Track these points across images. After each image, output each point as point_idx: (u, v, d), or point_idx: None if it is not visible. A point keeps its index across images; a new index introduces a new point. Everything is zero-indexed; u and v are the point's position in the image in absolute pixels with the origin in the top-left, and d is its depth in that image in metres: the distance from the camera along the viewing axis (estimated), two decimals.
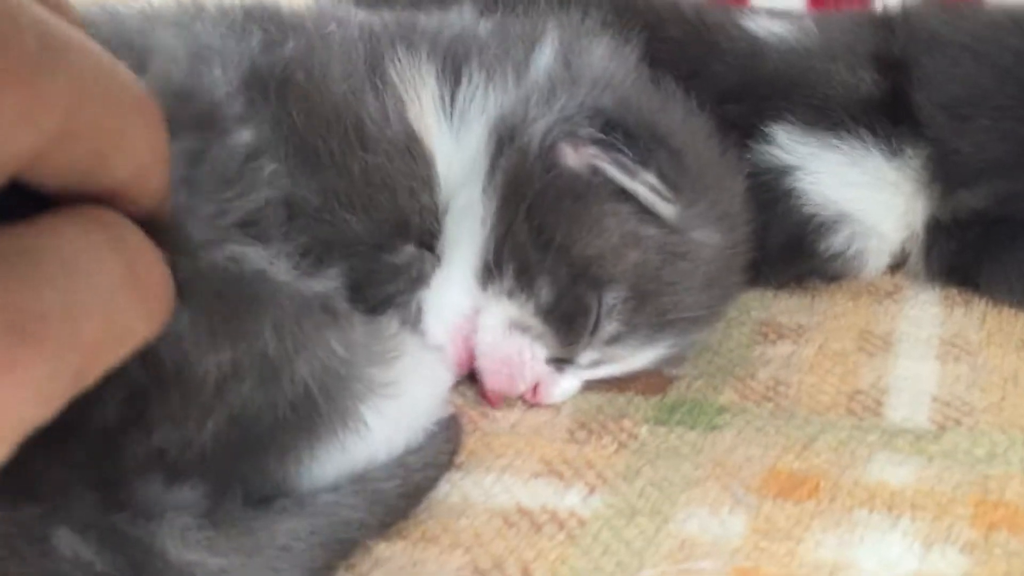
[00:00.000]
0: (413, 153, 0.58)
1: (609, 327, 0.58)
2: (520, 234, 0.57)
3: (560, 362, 0.59)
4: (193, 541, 0.43)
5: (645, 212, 0.57)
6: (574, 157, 0.57)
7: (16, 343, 0.23)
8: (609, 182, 0.56)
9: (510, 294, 0.58)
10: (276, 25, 0.56)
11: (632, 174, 0.56)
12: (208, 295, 0.43)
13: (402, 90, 0.58)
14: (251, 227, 0.47)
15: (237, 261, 0.44)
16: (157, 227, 0.30)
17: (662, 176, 0.56)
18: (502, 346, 0.59)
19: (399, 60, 0.58)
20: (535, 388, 0.59)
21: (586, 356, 0.59)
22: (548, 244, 0.56)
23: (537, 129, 0.58)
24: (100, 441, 0.41)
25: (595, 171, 0.57)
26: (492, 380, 0.59)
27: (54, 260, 0.25)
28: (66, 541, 0.40)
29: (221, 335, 0.43)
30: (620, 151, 0.55)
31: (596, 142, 0.56)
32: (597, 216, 0.57)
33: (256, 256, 0.46)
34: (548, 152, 0.57)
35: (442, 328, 0.59)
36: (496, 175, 0.58)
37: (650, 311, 0.58)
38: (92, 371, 0.26)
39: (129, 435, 0.42)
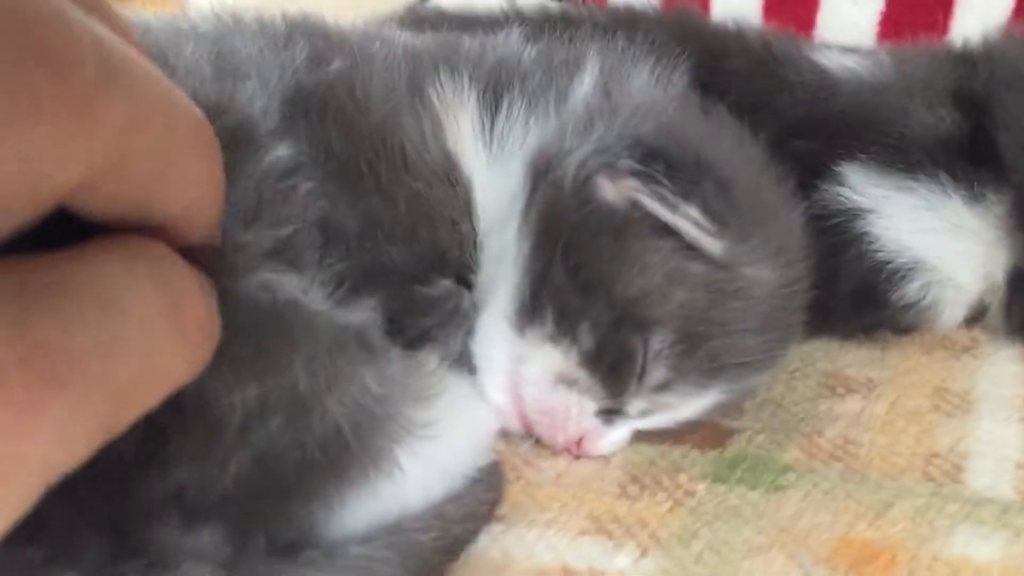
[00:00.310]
0: (452, 180, 0.55)
1: (657, 373, 0.55)
2: (557, 275, 0.54)
3: (609, 413, 0.56)
4: None
5: (690, 248, 0.53)
6: (612, 190, 0.54)
7: (40, 384, 0.22)
8: (650, 216, 0.53)
9: (552, 340, 0.55)
10: (324, 40, 0.55)
11: (673, 208, 0.52)
12: (236, 326, 0.40)
13: (441, 113, 0.55)
14: (285, 253, 0.45)
15: (270, 290, 0.42)
16: (203, 257, 0.29)
17: (706, 209, 0.52)
18: (547, 399, 0.56)
19: (440, 83, 0.56)
20: (579, 441, 0.56)
21: (635, 406, 0.56)
22: (587, 285, 0.54)
23: (572, 161, 0.54)
24: (115, 479, 0.39)
25: (635, 205, 0.53)
26: (537, 428, 0.57)
27: (88, 295, 0.24)
28: None
29: (248, 369, 0.41)
30: (660, 183, 0.52)
31: (635, 174, 0.52)
32: (638, 253, 0.53)
33: (290, 284, 0.44)
34: (584, 186, 0.54)
35: (491, 381, 0.57)
36: (531, 212, 0.55)
37: (701, 355, 0.54)
38: (126, 415, 0.25)
39: (146, 474, 0.40)
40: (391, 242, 0.52)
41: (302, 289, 0.45)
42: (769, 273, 0.56)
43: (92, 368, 0.23)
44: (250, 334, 0.41)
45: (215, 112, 0.44)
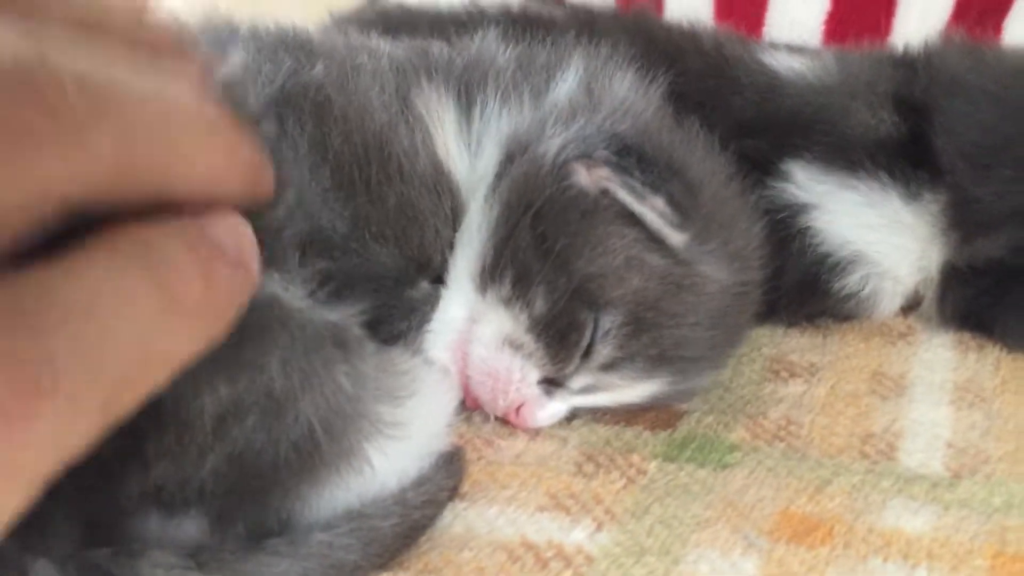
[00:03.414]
0: (439, 189, 0.57)
1: (604, 352, 0.57)
2: (522, 240, 0.56)
3: (550, 384, 0.58)
4: None
5: (652, 240, 0.56)
6: (586, 177, 0.56)
7: (28, 396, 0.23)
8: (618, 204, 0.56)
9: (506, 302, 0.57)
10: (306, 53, 0.55)
11: (641, 198, 0.55)
12: None
13: (428, 122, 0.57)
14: (265, 250, 0.45)
15: None
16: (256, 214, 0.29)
17: (672, 203, 0.55)
18: (492, 360, 0.58)
19: (423, 91, 0.58)
20: (518, 409, 0.58)
21: (578, 380, 0.58)
22: (548, 253, 0.55)
23: (553, 145, 0.57)
24: (92, 477, 0.39)
25: (605, 193, 0.56)
26: (477, 389, 0.59)
27: (73, 304, 0.24)
28: (44, 574, 0.39)
29: (222, 368, 0.41)
30: (631, 174, 0.55)
31: (609, 164, 0.55)
32: (603, 235, 0.56)
33: (269, 282, 0.44)
34: (561, 168, 0.56)
35: (441, 340, 0.58)
36: (501, 183, 0.57)
37: (647, 341, 0.57)
38: (125, 400, 0.26)
39: (124, 472, 0.41)
40: (380, 242, 0.54)
41: (283, 286, 0.45)
42: (724, 274, 0.58)
43: (79, 373, 0.24)
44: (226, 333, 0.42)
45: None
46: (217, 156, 0.28)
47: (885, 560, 0.49)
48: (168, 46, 0.29)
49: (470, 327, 0.58)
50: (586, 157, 0.56)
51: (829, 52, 0.78)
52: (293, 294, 0.46)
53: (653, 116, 0.61)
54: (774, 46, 0.79)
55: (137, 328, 0.25)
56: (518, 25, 0.75)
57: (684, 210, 0.55)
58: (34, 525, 0.38)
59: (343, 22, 0.82)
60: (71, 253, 0.25)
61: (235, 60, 0.51)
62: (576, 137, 0.57)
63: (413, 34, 0.74)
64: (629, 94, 0.61)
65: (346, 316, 0.48)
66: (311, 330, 0.45)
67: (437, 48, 0.62)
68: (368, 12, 0.84)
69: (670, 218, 0.55)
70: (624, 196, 0.55)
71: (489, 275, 0.57)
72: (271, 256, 0.45)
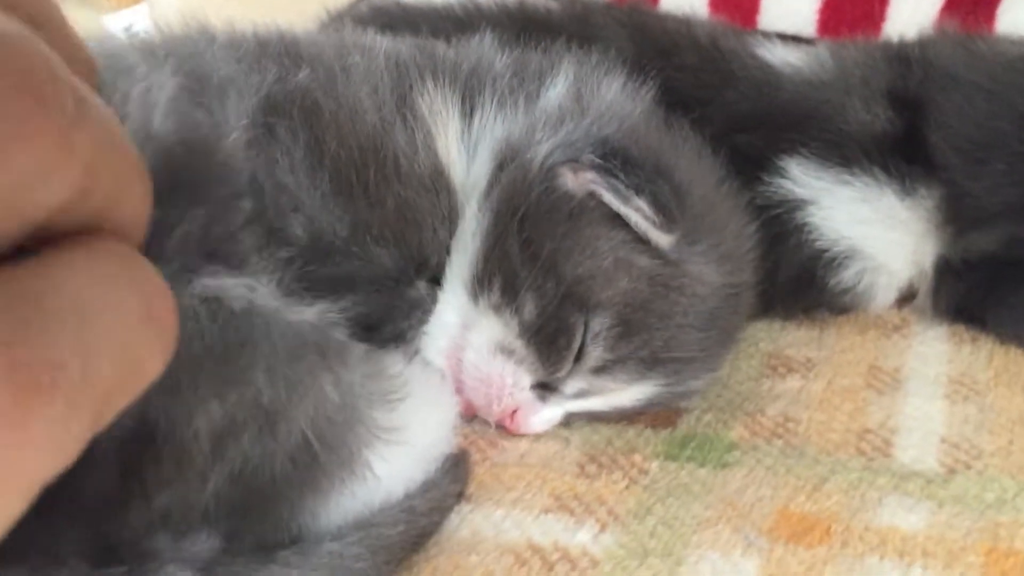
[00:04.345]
0: (437, 188, 0.57)
1: (595, 354, 0.57)
2: (510, 246, 0.57)
3: (544, 390, 0.59)
4: None
5: (639, 242, 0.56)
6: (573, 180, 0.57)
7: (26, 396, 0.22)
8: (605, 207, 0.56)
9: (496, 309, 0.57)
10: (291, 58, 0.55)
11: (625, 199, 0.55)
12: (191, 345, 0.40)
13: (431, 123, 0.57)
14: (220, 256, 0.45)
15: (216, 299, 0.42)
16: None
17: (656, 204, 0.55)
18: (485, 367, 0.58)
19: (428, 93, 0.58)
20: (512, 414, 0.59)
21: (571, 385, 0.59)
22: (536, 257, 0.56)
23: (540, 150, 0.57)
24: (98, 508, 0.40)
25: (592, 196, 0.56)
26: (471, 395, 0.59)
27: (68, 301, 0.24)
28: None
29: (210, 387, 0.41)
30: (616, 176, 0.55)
31: (594, 167, 0.56)
32: (590, 238, 0.56)
33: (236, 289, 0.44)
34: (548, 173, 0.57)
35: (436, 347, 0.59)
36: (493, 191, 0.58)
37: (638, 343, 0.57)
38: (109, 412, 0.25)
39: (128, 506, 0.41)
40: (380, 245, 0.54)
41: (249, 288, 0.45)
42: (714, 275, 0.59)
43: (75, 374, 0.24)
44: (206, 352, 0.41)
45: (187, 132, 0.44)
46: (143, 193, 0.28)
47: (881, 558, 0.50)
48: (92, 71, 0.28)
49: (463, 334, 0.58)
50: (573, 161, 0.56)
51: (824, 45, 0.79)
52: (262, 292, 0.45)
53: (641, 119, 0.62)
54: (769, 39, 0.79)
55: (125, 335, 0.26)
56: (515, 21, 0.76)
57: (670, 211, 0.56)
58: (48, 550, 0.39)
59: (339, 19, 0.82)
60: (59, 254, 0.25)
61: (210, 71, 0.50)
62: (563, 142, 0.57)
63: (410, 31, 0.74)
64: (617, 98, 0.62)
65: (324, 312, 0.48)
66: (292, 337, 0.45)
67: (442, 49, 0.63)
68: (364, 9, 0.83)
69: (655, 220, 0.55)
70: (610, 198, 0.55)
71: (479, 282, 0.57)
72: (232, 261, 0.45)
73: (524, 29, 0.74)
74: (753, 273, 0.63)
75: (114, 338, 0.25)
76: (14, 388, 0.22)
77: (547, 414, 0.59)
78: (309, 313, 0.47)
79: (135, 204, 0.28)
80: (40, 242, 0.25)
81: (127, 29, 1.04)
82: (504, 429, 0.60)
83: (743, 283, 0.62)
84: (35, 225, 0.24)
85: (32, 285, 0.24)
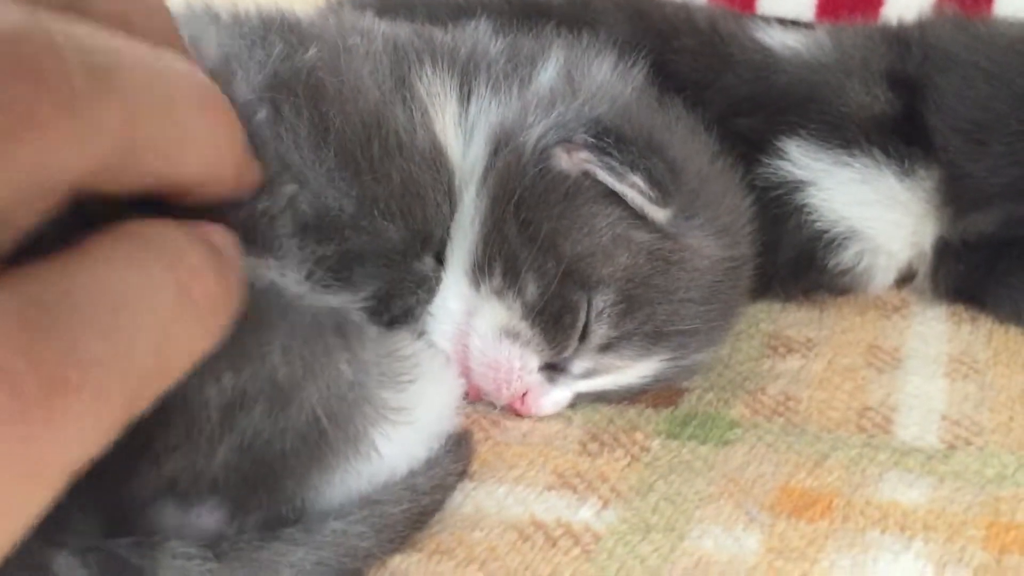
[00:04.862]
0: (438, 165, 0.58)
1: (600, 332, 0.57)
2: (507, 229, 0.57)
3: (552, 371, 0.59)
4: (195, 574, 0.41)
5: (636, 217, 0.57)
6: (567, 161, 0.57)
7: (56, 392, 0.23)
8: (600, 184, 0.56)
9: (499, 293, 0.58)
10: (297, 36, 0.56)
11: (620, 176, 0.55)
12: None
13: (429, 105, 0.58)
14: (255, 236, 0.45)
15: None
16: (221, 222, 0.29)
17: (651, 180, 0.55)
18: (492, 352, 0.58)
19: (427, 76, 0.58)
20: (522, 397, 0.59)
21: (578, 364, 0.59)
22: (534, 238, 0.56)
23: (533, 133, 0.58)
24: (107, 470, 0.40)
25: (587, 175, 0.57)
26: (480, 381, 0.59)
27: (98, 296, 0.24)
28: (65, 566, 0.39)
29: (225, 359, 0.40)
30: (610, 154, 0.56)
31: (588, 146, 0.56)
32: (587, 216, 0.57)
33: (264, 268, 0.44)
34: (542, 155, 0.57)
35: (442, 334, 0.59)
36: (490, 176, 0.58)
37: (642, 318, 0.58)
38: (147, 397, 0.26)
39: (136, 469, 0.41)
40: (387, 219, 0.54)
41: (279, 272, 0.45)
42: (713, 248, 0.59)
43: (106, 367, 0.24)
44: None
45: None
46: (216, 137, 0.28)
47: (883, 532, 0.50)
48: (159, 28, 0.28)
49: (467, 320, 0.59)
50: (566, 141, 0.57)
51: (823, 28, 0.79)
52: (290, 279, 0.46)
53: (632, 97, 0.62)
54: (768, 22, 0.79)
55: (159, 322, 0.26)
56: (514, 6, 0.76)
57: (664, 187, 0.56)
58: (53, 518, 0.39)
59: (339, 4, 0.82)
60: (88, 246, 0.25)
61: (214, 50, 0.51)
62: (556, 123, 0.58)
63: (409, 16, 0.74)
64: (608, 78, 0.62)
65: (346, 301, 0.48)
66: (310, 318, 0.45)
67: (439, 35, 0.63)
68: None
69: (650, 195, 0.56)
70: (604, 176, 0.56)
71: (480, 268, 0.58)
72: (266, 243, 0.45)
73: (523, 14, 0.74)
74: (751, 246, 0.63)
75: (148, 325, 0.25)
76: (42, 386, 0.22)
77: (556, 396, 0.60)
78: (331, 300, 0.47)
79: (205, 142, 0.28)
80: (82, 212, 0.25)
81: None
82: (513, 412, 0.60)
83: (742, 256, 0.62)
84: (64, 194, 0.24)
85: (60, 281, 0.24)
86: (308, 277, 0.48)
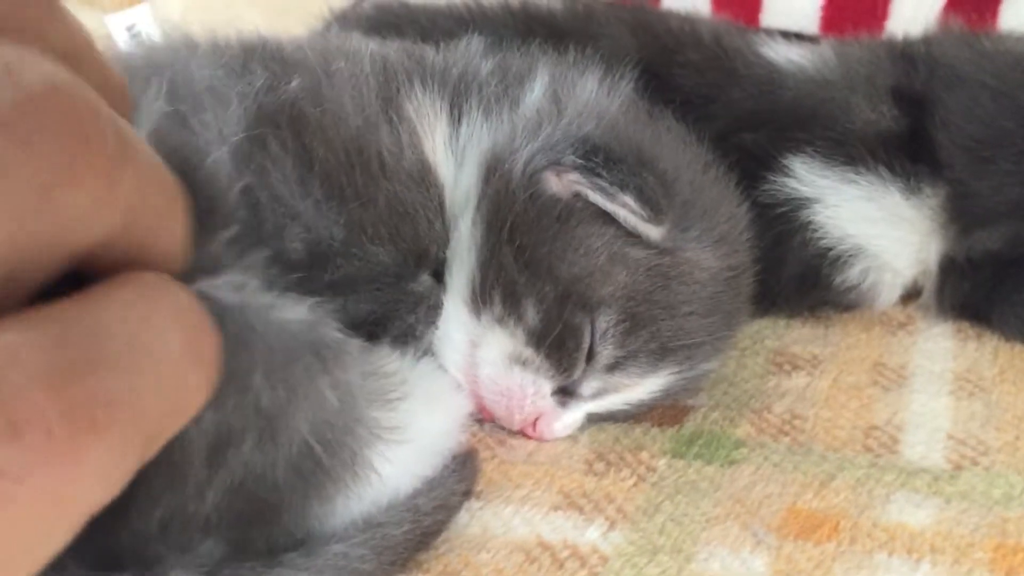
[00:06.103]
0: (427, 183, 0.57)
1: (606, 352, 0.57)
2: (503, 256, 0.57)
3: (563, 395, 0.59)
4: None
5: (631, 235, 0.57)
6: (557, 183, 0.57)
7: (83, 433, 0.23)
8: (592, 205, 0.56)
9: (500, 321, 0.57)
10: (279, 64, 0.55)
11: (611, 197, 0.55)
12: None
13: (418, 125, 0.58)
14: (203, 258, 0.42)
15: (208, 297, 0.40)
16: None
17: (642, 198, 0.55)
18: (503, 380, 0.58)
19: (416, 96, 0.58)
20: (535, 422, 0.59)
21: (588, 386, 0.59)
22: (530, 263, 0.56)
23: (521, 157, 0.58)
24: (95, 524, 0.40)
25: (578, 196, 0.57)
26: (492, 407, 0.60)
27: (120, 339, 0.24)
28: None
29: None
30: (599, 174, 0.55)
31: (577, 168, 0.56)
32: (582, 237, 0.56)
33: (226, 287, 0.42)
34: (531, 179, 0.57)
35: (452, 364, 0.59)
36: (483, 204, 0.58)
37: (647, 335, 0.57)
38: (155, 444, 0.26)
39: (125, 518, 0.40)
40: (377, 243, 0.54)
41: (236, 287, 0.43)
42: (711, 259, 0.59)
43: (127, 410, 0.24)
44: None
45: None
46: (182, 224, 0.28)
47: (890, 555, 0.50)
48: (124, 98, 0.28)
49: (473, 352, 0.59)
50: (555, 164, 0.56)
51: (828, 43, 0.79)
52: (251, 288, 0.44)
53: (620, 112, 0.61)
54: (773, 37, 0.79)
55: (171, 369, 0.26)
56: (518, 21, 0.76)
57: (656, 203, 0.56)
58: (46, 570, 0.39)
59: (343, 18, 0.83)
60: (105, 288, 0.25)
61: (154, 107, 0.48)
62: (544, 146, 0.57)
63: (414, 30, 0.74)
64: (594, 95, 0.62)
65: (315, 306, 0.47)
66: (287, 337, 0.44)
67: (430, 54, 0.63)
68: (368, 8, 0.84)
69: (643, 214, 0.56)
70: (596, 197, 0.56)
71: (479, 297, 0.58)
72: (214, 262, 0.43)
73: (527, 29, 0.75)
74: (750, 253, 0.63)
75: (161, 372, 0.25)
76: (71, 426, 0.22)
77: (568, 418, 0.60)
78: (301, 310, 0.45)
79: (174, 234, 0.28)
80: (79, 275, 0.25)
81: (130, 29, 1.04)
82: (525, 436, 0.60)
83: (741, 264, 0.62)
84: (79, 259, 0.24)
85: (87, 323, 0.24)
86: (267, 285, 0.46)
